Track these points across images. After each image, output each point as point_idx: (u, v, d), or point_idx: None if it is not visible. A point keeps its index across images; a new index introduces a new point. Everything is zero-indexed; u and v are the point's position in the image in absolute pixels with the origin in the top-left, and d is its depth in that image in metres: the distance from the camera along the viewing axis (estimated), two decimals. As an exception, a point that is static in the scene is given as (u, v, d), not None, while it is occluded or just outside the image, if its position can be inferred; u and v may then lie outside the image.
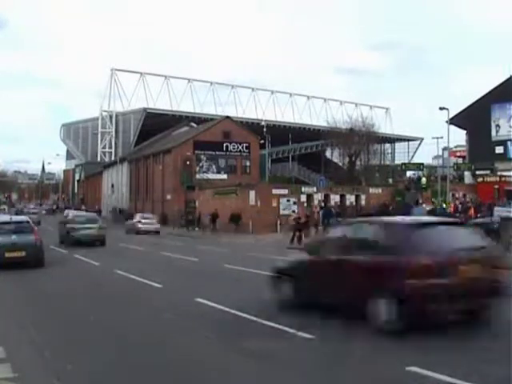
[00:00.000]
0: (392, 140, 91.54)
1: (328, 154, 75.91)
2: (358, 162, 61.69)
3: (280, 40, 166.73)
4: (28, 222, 18.14)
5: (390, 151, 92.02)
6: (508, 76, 52.16)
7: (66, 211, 51.41)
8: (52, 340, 7.67)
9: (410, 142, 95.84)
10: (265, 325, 8.18)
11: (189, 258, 20.11)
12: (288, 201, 39.12)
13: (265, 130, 60.64)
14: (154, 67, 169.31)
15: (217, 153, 57.36)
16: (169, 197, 54.72)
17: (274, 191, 39.65)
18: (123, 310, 10.07)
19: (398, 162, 78.15)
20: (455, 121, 46.61)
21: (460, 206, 33.77)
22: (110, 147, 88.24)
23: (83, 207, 70.87)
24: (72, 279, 14.76)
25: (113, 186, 68.13)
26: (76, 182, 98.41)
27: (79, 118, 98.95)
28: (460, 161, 61.44)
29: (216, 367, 6.25)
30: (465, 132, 56.23)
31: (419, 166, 47.35)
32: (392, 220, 9.57)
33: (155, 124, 73.47)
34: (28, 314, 9.66)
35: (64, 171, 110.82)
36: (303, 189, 42.62)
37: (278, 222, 35.07)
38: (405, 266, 7.54)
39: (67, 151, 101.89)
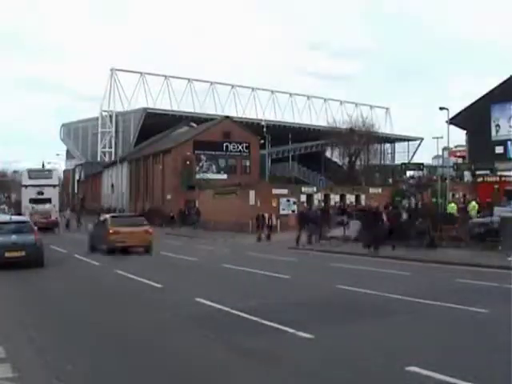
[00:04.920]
0: (392, 140, 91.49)
1: (328, 154, 75.90)
2: (358, 162, 61.78)
3: (279, 40, 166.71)
4: (28, 221, 18.16)
5: (390, 151, 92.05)
6: (508, 76, 52.17)
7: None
8: (52, 340, 7.67)
9: (410, 142, 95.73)
10: (265, 324, 8.18)
11: (188, 258, 20.11)
12: (288, 201, 39.16)
13: (265, 130, 60.66)
14: (154, 67, 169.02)
15: (217, 153, 57.38)
16: (169, 197, 54.75)
17: (274, 191, 39.71)
18: (123, 309, 10.07)
19: (398, 162, 78.12)
20: (455, 121, 46.60)
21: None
22: (110, 147, 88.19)
23: None
24: (72, 279, 14.76)
25: (113, 185, 68.10)
26: (76, 182, 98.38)
27: (79, 117, 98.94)
28: (460, 161, 61.45)
29: (216, 367, 6.25)
30: (465, 132, 56.24)
31: (419, 166, 47.32)
32: None
33: (155, 124, 73.45)
34: (28, 314, 9.66)
35: (64, 171, 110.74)
36: (303, 189, 42.70)
37: (279, 222, 35.10)
38: None
39: (67, 151, 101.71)
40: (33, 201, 41.74)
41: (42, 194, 42.47)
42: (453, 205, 25.71)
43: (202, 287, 12.62)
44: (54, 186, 43.95)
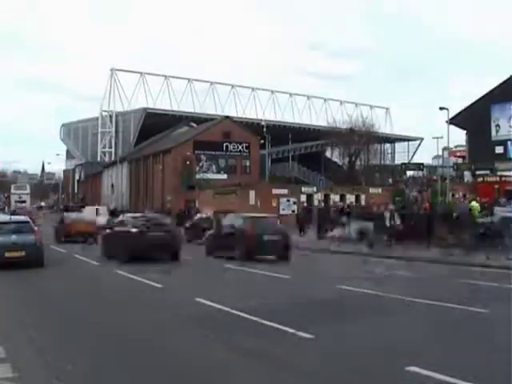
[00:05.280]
0: (392, 140, 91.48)
1: (328, 154, 75.90)
2: (358, 162, 61.83)
3: (279, 40, 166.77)
4: (28, 221, 18.14)
5: (390, 151, 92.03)
6: (508, 76, 52.16)
7: None
8: (52, 340, 7.66)
9: (410, 142, 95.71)
10: (265, 325, 8.18)
11: (188, 258, 20.09)
12: (288, 201, 39.16)
13: (265, 130, 60.65)
14: (154, 67, 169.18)
15: (217, 153, 57.41)
16: (169, 197, 54.76)
17: (274, 191, 39.74)
18: (123, 309, 10.06)
19: (398, 162, 78.13)
20: (455, 121, 46.59)
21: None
22: (110, 147, 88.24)
23: None
24: (72, 279, 14.75)
25: (113, 185, 68.16)
26: (76, 182, 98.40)
27: (79, 117, 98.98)
28: (460, 161, 61.46)
29: (216, 367, 6.25)
30: (465, 132, 56.23)
31: (419, 166, 47.35)
32: None
33: (155, 124, 73.46)
34: (28, 314, 9.65)
35: (64, 171, 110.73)
36: (303, 189, 42.75)
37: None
38: None
39: (67, 151, 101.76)
40: (17, 202, 74.62)
41: (21, 197, 77.49)
42: (477, 205, 24.57)
43: (202, 287, 12.62)
44: (27, 193, 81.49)
